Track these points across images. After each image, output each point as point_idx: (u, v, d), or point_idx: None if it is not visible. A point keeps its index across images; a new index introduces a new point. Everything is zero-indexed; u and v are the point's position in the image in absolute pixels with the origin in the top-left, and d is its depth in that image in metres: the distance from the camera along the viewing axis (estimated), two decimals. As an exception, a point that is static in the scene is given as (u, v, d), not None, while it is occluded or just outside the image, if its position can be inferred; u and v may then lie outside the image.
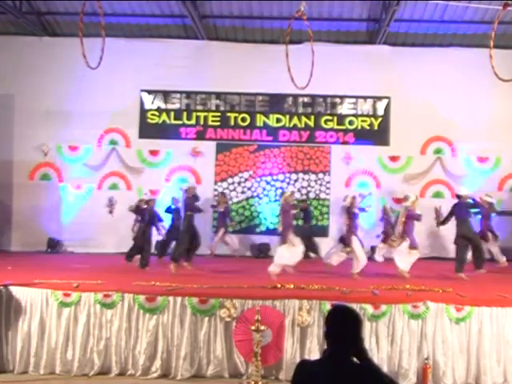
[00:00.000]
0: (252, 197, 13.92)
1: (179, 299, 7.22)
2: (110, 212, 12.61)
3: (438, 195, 13.51)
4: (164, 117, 14.05)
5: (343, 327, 2.89)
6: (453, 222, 10.09)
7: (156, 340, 7.20)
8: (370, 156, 13.76)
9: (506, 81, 7.91)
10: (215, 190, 13.87)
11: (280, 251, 9.36)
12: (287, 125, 13.96)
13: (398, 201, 13.11)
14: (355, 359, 2.85)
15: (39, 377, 7.10)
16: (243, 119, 14.00)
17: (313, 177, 13.86)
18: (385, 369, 7.03)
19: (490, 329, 7.02)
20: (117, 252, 12.26)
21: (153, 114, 14.06)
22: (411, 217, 9.82)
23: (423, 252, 12.74)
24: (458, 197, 10.33)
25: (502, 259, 11.34)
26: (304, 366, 2.97)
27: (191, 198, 10.58)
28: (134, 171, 13.88)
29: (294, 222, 10.47)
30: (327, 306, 7.09)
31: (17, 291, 7.37)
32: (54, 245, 13.44)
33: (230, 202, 13.82)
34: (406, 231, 9.71)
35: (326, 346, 2.97)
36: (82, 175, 13.85)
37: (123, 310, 7.24)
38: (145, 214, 10.24)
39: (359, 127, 13.88)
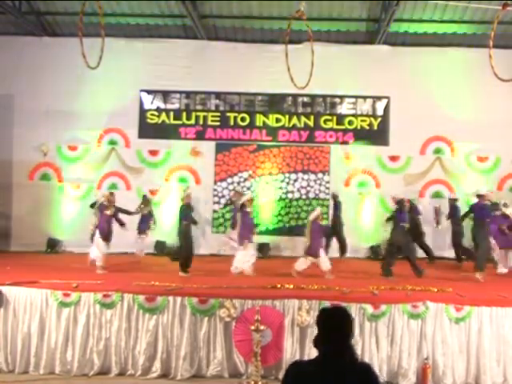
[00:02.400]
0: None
1: (179, 299, 7.24)
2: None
3: (437, 195, 13.50)
4: (163, 117, 14.04)
5: (339, 328, 2.89)
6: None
7: (156, 340, 7.21)
8: (369, 156, 13.75)
9: (505, 81, 7.92)
10: (215, 189, 13.86)
11: None
12: (287, 125, 13.94)
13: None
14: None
15: (39, 377, 7.13)
16: (243, 119, 13.99)
17: (312, 177, 13.85)
18: (385, 369, 7.05)
19: (490, 329, 7.03)
20: (116, 252, 12.22)
21: (152, 114, 14.04)
22: None
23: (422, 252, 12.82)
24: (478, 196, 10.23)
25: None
26: (298, 367, 2.95)
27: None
28: (133, 171, 13.86)
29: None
30: (327, 306, 7.09)
31: (16, 291, 7.38)
32: (53, 245, 13.43)
33: (230, 202, 13.79)
34: None
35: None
36: (82, 175, 13.83)
37: (123, 310, 7.25)
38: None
39: (359, 127, 13.87)
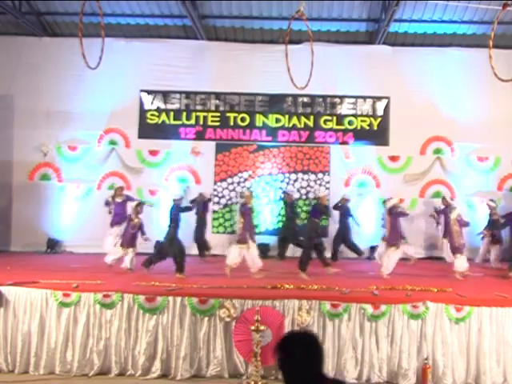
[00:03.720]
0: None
1: (179, 299, 7.24)
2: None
3: (437, 195, 13.46)
4: (163, 117, 14.03)
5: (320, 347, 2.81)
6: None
7: (156, 340, 7.22)
8: (369, 156, 13.73)
9: (505, 81, 7.91)
10: (215, 190, 13.86)
11: None
12: (286, 125, 13.93)
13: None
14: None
15: (39, 377, 7.14)
16: (243, 119, 13.98)
17: (312, 177, 13.84)
18: (385, 369, 7.06)
19: (490, 329, 7.03)
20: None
21: (152, 114, 14.03)
22: None
23: (422, 252, 12.83)
24: None
25: None
26: None
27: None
28: (133, 171, 13.85)
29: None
30: (327, 307, 7.11)
31: (17, 291, 7.38)
32: (53, 245, 13.42)
33: (230, 202, 13.80)
34: None
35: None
36: (82, 175, 13.81)
37: (123, 310, 7.25)
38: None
39: (359, 127, 13.85)
